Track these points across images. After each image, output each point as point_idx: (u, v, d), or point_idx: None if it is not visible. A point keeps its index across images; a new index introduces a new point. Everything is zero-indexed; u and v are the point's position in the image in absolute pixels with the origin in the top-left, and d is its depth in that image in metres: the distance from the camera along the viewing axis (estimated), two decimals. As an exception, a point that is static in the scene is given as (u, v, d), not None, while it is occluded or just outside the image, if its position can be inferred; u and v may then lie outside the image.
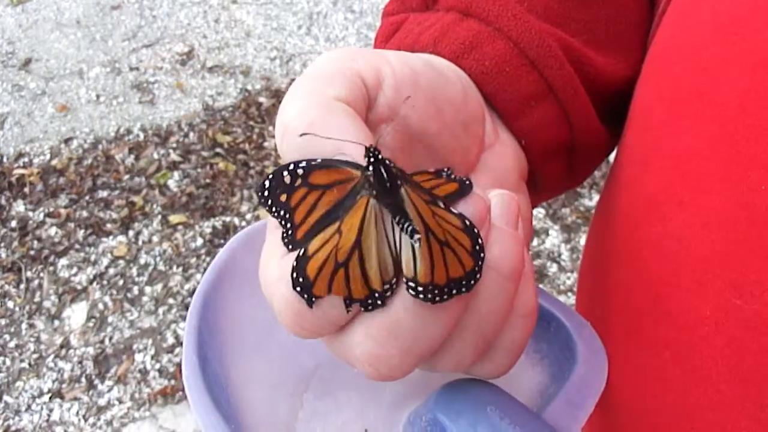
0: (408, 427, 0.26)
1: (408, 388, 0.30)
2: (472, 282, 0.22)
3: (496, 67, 0.30)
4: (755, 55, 0.23)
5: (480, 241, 0.22)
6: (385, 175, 0.22)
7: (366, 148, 0.22)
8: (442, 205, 0.22)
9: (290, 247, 0.22)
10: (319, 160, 0.22)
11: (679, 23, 0.29)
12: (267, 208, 0.22)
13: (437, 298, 0.21)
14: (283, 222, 0.22)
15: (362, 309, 0.22)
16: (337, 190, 0.22)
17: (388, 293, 0.22)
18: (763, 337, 0.22)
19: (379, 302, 0.22)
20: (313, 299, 0.21)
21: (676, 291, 0.27)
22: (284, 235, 0.22)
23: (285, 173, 0.22)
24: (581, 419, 0.26)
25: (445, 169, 0.24)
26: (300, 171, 0.22)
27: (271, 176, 0.22)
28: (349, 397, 0.31)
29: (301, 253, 0.22)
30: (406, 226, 0.22)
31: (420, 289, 0.21)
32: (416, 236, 0.21)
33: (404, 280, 0.22)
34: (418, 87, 0.26)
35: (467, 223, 0.22)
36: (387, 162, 0.22)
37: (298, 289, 0.21)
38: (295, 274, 0.21)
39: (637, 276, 0.29)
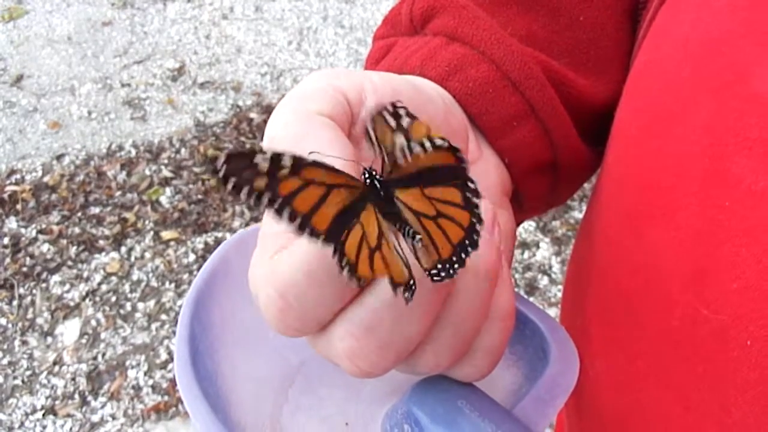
0: (386, 420, 0.27)
1: (387, 385, 0.31)
2: (475, 237, 0.22)
3: (479, 89, 0.31)
4: (719, 79, 0.25)
5: (468, 194, 0.22)
6: (379, 186, 0.23)
7: (364, 169, 0.23)
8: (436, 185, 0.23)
9: (308, 231, 0.21)
10: (310, 158, 0.21)
11: (656, 47, 0.31)
12: (232, 189, 0.20)
13: (455, 268, 0.22)
14: (273, 208, 0.21)
15: (405, 295, 0.22)
16: (346, 192, 0.22)
17: (414, 287, 0.22)
18: (727, 345, 0.23)
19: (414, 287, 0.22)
20: (361, 279, 0.21)
21: (648, 302, 0.28)
22: (291, 217, 0.21)
23: (258, 159, 0.20)
24: (550, 415, 0.27)
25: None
26: (287, 161, 0.21)
27: (228, 157, 0.20)
28: (331, 393, 0.32)
29: (341, 238, 0.21)
30: (407, 230, 0.22)
31: (439, 268, 0.22)
32: (417, 237, 0.22)
33: (426, 274, 0.22)
34: None
35: (458, 185, 0.22)
36: (378, 178, 0.23)
37: (346, 268, 0.21)
38: (338, 255, 0.21)
39: (613, 288, 0.31)
